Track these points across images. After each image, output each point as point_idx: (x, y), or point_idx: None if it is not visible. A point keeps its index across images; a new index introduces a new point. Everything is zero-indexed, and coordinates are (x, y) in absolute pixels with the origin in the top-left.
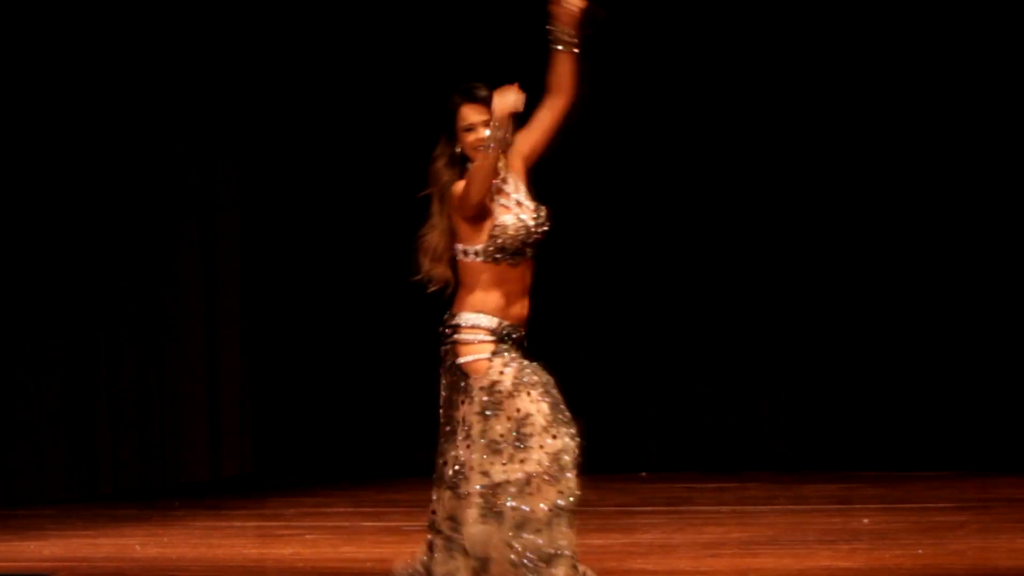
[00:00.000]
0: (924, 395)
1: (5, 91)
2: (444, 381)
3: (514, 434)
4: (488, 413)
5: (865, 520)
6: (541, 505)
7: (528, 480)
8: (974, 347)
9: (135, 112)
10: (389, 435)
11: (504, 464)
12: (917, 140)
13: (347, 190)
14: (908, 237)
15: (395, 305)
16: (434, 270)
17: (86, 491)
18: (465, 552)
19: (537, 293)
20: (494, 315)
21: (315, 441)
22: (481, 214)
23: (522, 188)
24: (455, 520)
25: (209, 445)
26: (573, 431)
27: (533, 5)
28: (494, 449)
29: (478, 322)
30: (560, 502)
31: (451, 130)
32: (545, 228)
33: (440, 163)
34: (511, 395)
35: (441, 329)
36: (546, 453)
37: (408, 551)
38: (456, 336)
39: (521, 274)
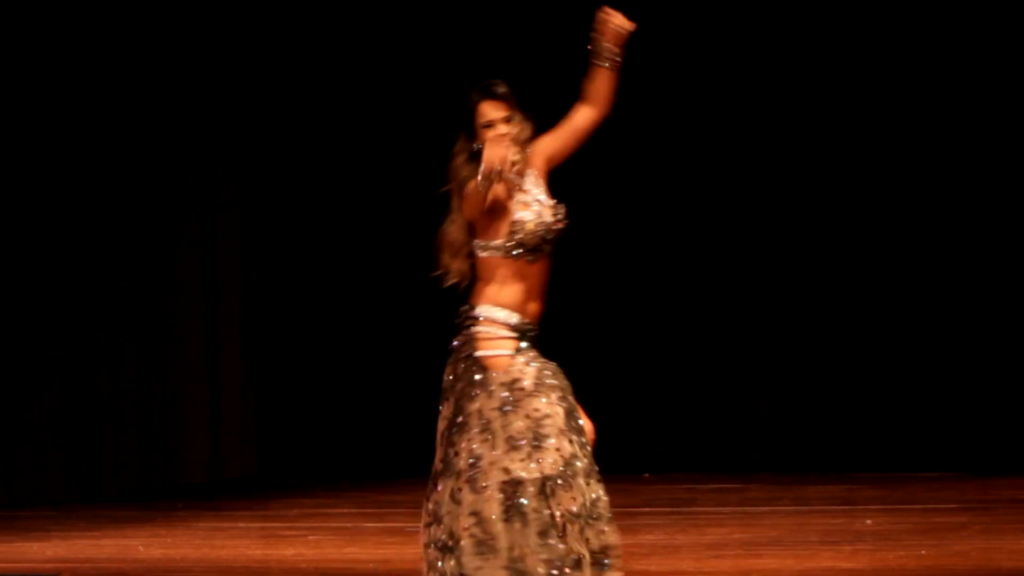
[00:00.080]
0: (926, 396)
1: (5, 92)
2: (452, 371)
3: (532, 433)
4: (507, 409)
5: (868, 521)
6: (556, 512)
7: (544, 482)
8: (976, 349)
9: (135, 113)
10: (391, 436)
11: (522, 461)
12: (916, 141)
13: (348, 190)
14: (909, 239)
15: (397, 305)
16: (452, 264)
17: (88, 492)
18: (496, 551)
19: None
20: (513, 311)
21: (317, 442)
22: (499, 210)
23: (541, 185)
24: (479, 516)
25: (211, 446)
26: (584, 440)
27: (532, 6)
28: (513, 445)
29: (499, 317)
30: (574, 508)
31: (470, 126)
32: (563, 225)
33: (460, 159)
34: (531, 395)
35: (458, 320)
36: (561, 456)
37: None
38: (476, 328)
39: (539, 271)
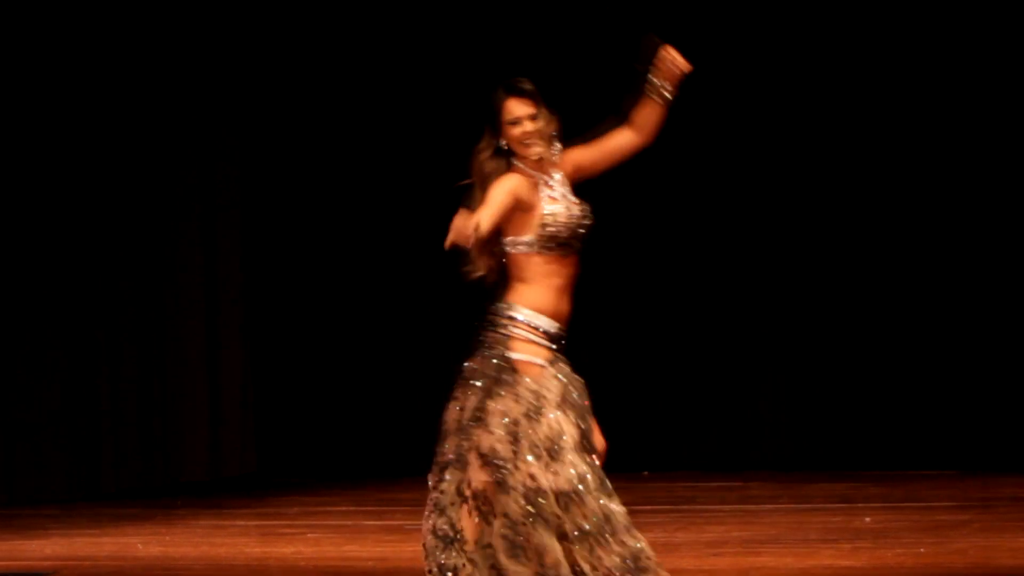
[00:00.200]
0: (926, 395)
1: (6, 92)
2: (479, 365)
3: (551, 444)
4: (532, 416)
5: (867, 519)
6: (567, 525)
7: (558, 497)
8: (976, 347)
9: (136, 113)
10: (390, 434)
11: (542, 471)
12: (915, 141)
13: (347, 190)
14: (910, 238)
15: (396, 305)
16: (478, 259)
17: (88, 490)
18: (528, 555)
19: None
20: (548, 314)
21: (317, 440)
22: (526, 208)
23: (567, 186)
24: (509, 518)
25: (211, 444)
26: (595, 462)
27: (529, 6)
28: (535, 453)
29: (536, 322)
30: (586, 526)
31: (495, 123)
32: (591, 222)
33: (484, 155)
34: (553, 408)
35: (492, 317)
36: (576, 474)
37: (409, 550)
38: (514, 329)
39: (570, 268)
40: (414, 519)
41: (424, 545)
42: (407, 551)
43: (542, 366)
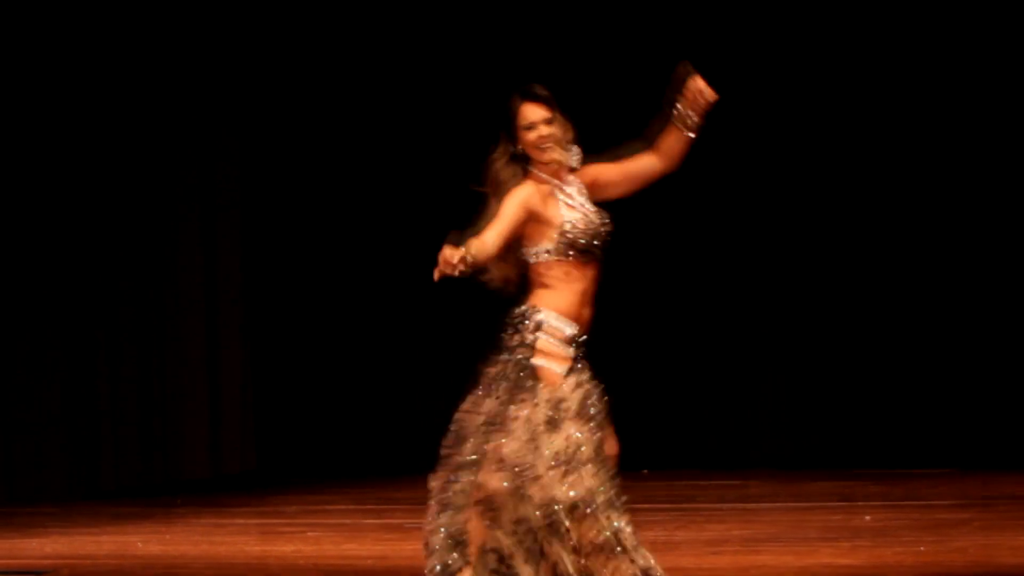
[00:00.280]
0: (926, 393)
1: (5, 93)
2: (501, 369)
3: (567, 456)
4: (551, 425)
5: (867, 517)
6: (587, 536)
7: (575, 506)
8: (976, 345)
9: (135, 113)
10: (390, 433)
11: (559, 482)
12: (914, 140)
13: (347, 190)
14: (909, 236)
15: (395, 304)
16: (496, 268)
17: (88, 489)
18: (540, 561)
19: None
20: (570, 319)
21: (316, 439)
22: (540, 219)
23: (585, 194)
24: (529, 524)
25: (210, 442)
26: (609, 472)
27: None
28: (554, 463)
29: (561, 327)
30: (599, 540)
31: (510, 129)
32: (609, 227)
33: (500, 163)
34: (572, 419)
35: (517, 320)
36: (593, 483)
37: (409, 548)
38: (538, 335)
39: (591, 274)
40: (413, 518)
41: (427, 544)
42: (406, 550)
43: (562, 375)
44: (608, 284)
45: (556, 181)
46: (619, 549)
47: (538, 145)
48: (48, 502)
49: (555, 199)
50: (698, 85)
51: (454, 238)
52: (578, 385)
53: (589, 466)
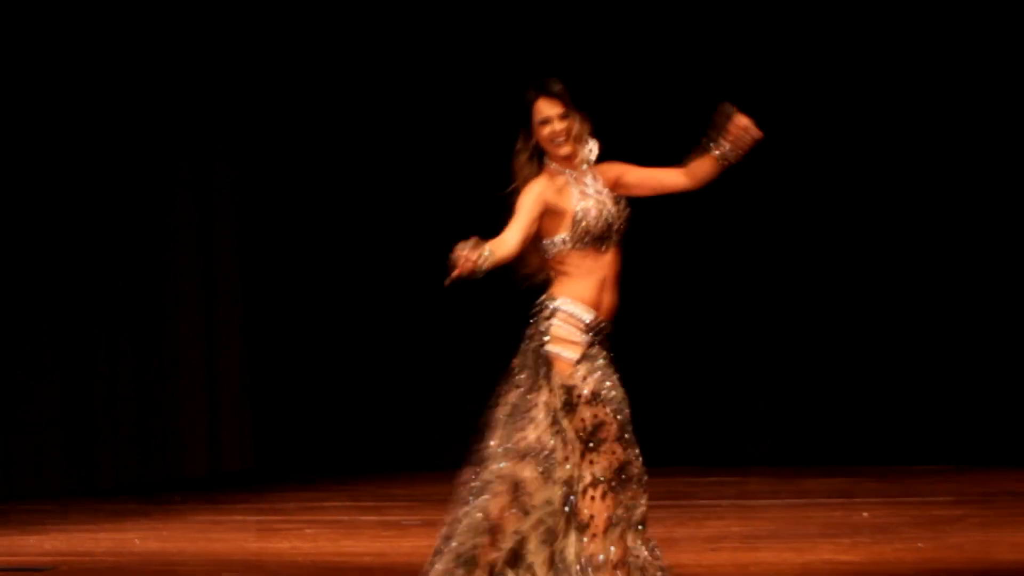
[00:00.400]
0: (925, 390)
1: (2, 90)
2: (521, 361)
3: (589, 435)
4: (567, 410)
5: (866, 514)
6: (604, 513)
7: (595, 483)
8: (974, 343)
9: (132, 111)
10: (388, 430)
11: (579, 460)
12: (911, 138)
13: (345, 187)
14: (908, 234)
15: (393, 301)
16: (529, 259)
17: (86, 486)
18: (556, 539)
19: (535, 291)
20: (590, 308)
21: (314, 436)
22: (555, 210)
23: (600, 181)
24: (553, 507)
25: (209, 440)
26: (637, 451)
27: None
28: (574, 444)
29: (576, 313)
30: (620, 512)
31: (528, 124)
32: (628, 214)
33: (522, 157)
34: (588, 403)
35: (536, 310)
36: (615, 461)
37: (406, 545)
38: (552, 322)
39: (610, 261)
40: (411, 514)
41: (456, 526)
42: (404, 546)
43: (573, 362)
44: None
45: (571, 172)
46: (631, 525)
47: (552, 140)
48: (47, 499)
49: (569, 189)
50: (744, 123)
51: (474, 241)
52: (591, 371)
53: (610, 443)
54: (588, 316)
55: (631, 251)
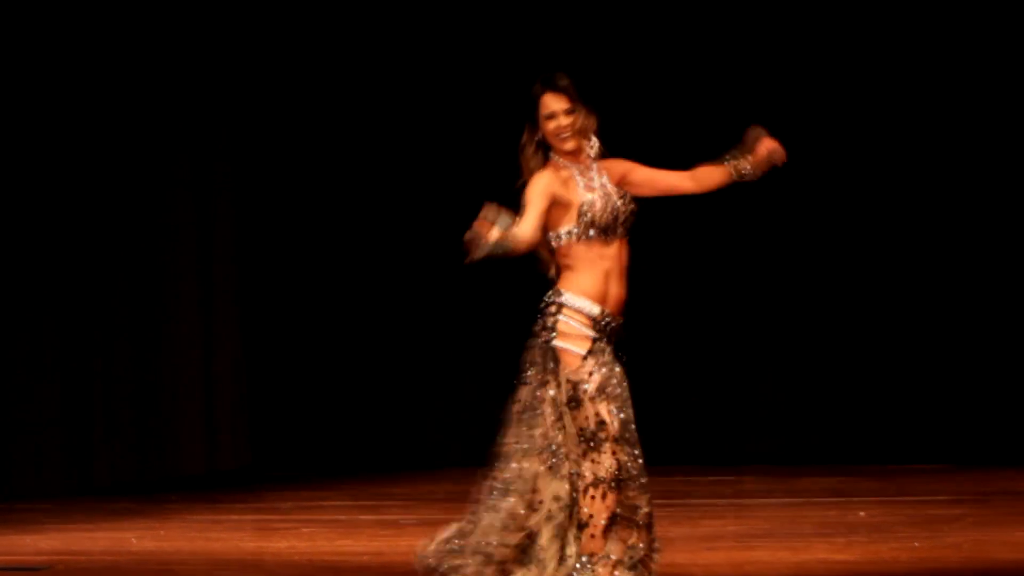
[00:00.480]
0: (921, 389)
1: (1, 93)
2: (530, 357)
3: (590, 434)
4: (572, 406)
5: (861, 513)
6: (603, 513)
7: (596, 483)
8: (971, 341)
9: (130, 111)
10: (385, 428)
11: (581, 458)
12: (908, 138)
13: (342, 186)
14: (903, 233)
15: (390, 299)
16: (540, 254)
17: (83, 485)
18: (567, 534)
19: (535, 289)
20: (596, 301)
21: (312, 434)
22: (562, 202)
23: (605, 176)
24: (561, 502)
25: (206, 439)
26: (636, 452)
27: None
28: (575, 442)
29: (582, 307)
30: (620, 512)
31: (534, 117)
32: (634, 208)
33: (528, 151)
34: (592, 399)
35: (544, 305)
36: (615, 462)
37: (404, 544)
38: (558, 316)
39: (616, 253)
40: (409, 514)
41: (480, 525)
42: (402, 545)
43: (581, 356)
44: None
45: (575, 165)
46: (629, 524)
47: (557, 134)
48: (44, 498)
49: (574, 182)
50: (772, 146)
51: (491, 209)
52: (598, 366)
53: (613, 444)
54: (595, 309)
55: (632, 250)
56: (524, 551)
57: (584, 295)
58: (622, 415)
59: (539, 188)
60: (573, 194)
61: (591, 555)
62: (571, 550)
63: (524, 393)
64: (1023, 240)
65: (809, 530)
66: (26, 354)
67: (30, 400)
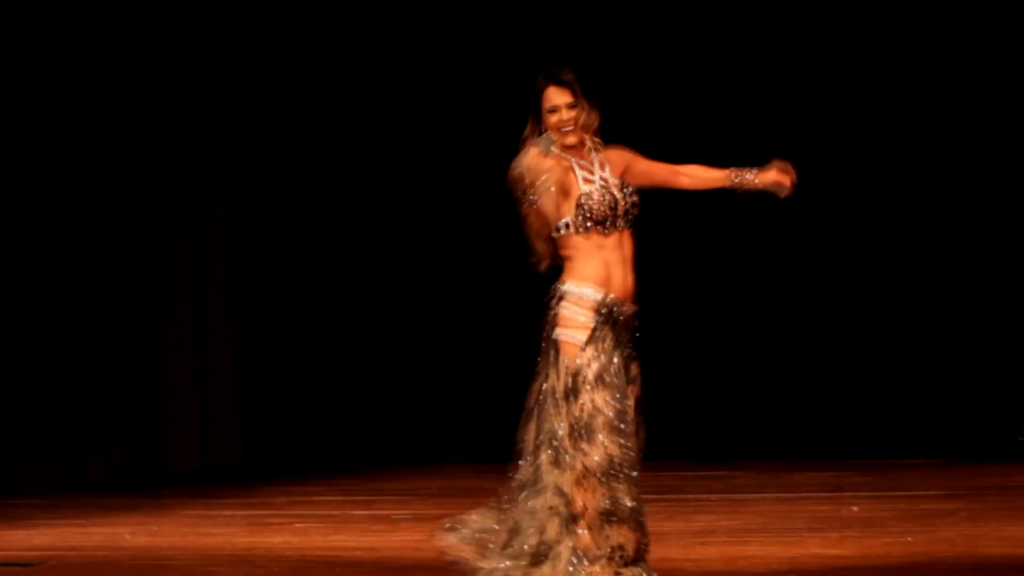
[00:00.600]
0: (913, 384)
1: None
2: (542, 350)
3: (584, 424)
4: (569, 396)
5: (855, 508)
6: (594, 505)
7: (585, 474)
8: (963, 336)
9: (124, 110)
10: (378, 424)
11: (575, 449)
12: (905, 137)
13: (333, 182)
14: (895, 230)
15: (383, 295)
16: (536, 246)
17: (76, 480)
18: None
19: (535, 288)
20: (599, 286)
21: (305, 430)
22: (563, 192)
23: (608, 169)
24: (566, 496)
25: (199, 434)
26: (629, 444)
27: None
28: (570, 432)
29: (583, 294)
30: (607, 504)
31: (537, 111)
32: (636, 200)
33: (531, 142)
34: (591, 387)
35: (548, 298)
36: (606, 453)
37: (397, 540)
38: (560, 306)
39: (616, 244)
40: (401, 509)
41: (518, 523)
42: (394, 540)
43: (580, 345)
44: None
45: (575, 158)
46: (614, 519)
47: (559, 128)
48: (37, 494)
49: (573, 174)
50: (785, 178)
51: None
52: (597, 354)
53: (602, 434)
54: (597, 295)
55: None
56: (537, 552)
57: (586, 281)
58: (617, 405)
59: (548, 181)
60: (571, 185)
61: (586, 550)
62: (568, 543)
63: (536, 386)
64: (1013, 237)
65: (802, 525)
66: (21, 351)
67: (24, 397)
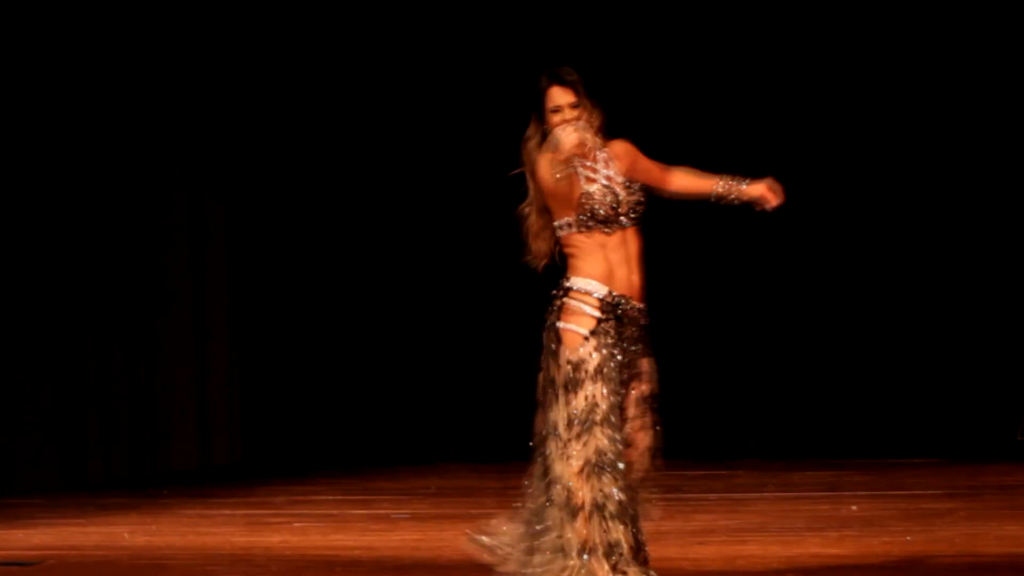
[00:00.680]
0: (913, 384)
1: None
2: (544, 341)
3: (584, 416)
4: (569, 388)
5: (854, 507)
6: (591, 496)
7: (583, 466)
8: (963, 336)
9: (122, 110)
10: (376, 423)
11: (573, 440)
12: (902, 137)
13: (332, 182)
14: (895, 230)
15: (381, 294)
16: (534, 245)
17: (76, 480)
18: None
19: (534, 288)
20: (603, 282)
21: (303, 429)
22: (568, 189)
23: (613, 167)
24: (569, 489)
25: (198, 434)
26: (618, 437)
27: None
28: (569, 423)
29: (589, 288)
30: (597, 498)
31: (540, 111)
32: (640, 198)
33: (532, 143)
34: (592, 379)
35: (553, 294)
36: (600, 445)
37: (395, 539)
38: (564, 299)
39: (621, 242)
40: (400, 508)
41: (541, 519)
42: (393, 540)
43: (583, 336)
44: None
45: (578, 158)
46: (607, 513)
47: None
48: (36, 493)
49: (576, 173)
50: (776, 190)
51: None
52: (599, 347)
53: (600, 428)
54: (602, 290)
55: None
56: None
57: (590, 277)
58: (613, 398)
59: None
60: (575, 185)
61: (583, 543)
62: (570, 535)
63: (542, 378)
64: (1012, 236)
65: (801, 524)
66: (20, 351)
67: (24, 396)
